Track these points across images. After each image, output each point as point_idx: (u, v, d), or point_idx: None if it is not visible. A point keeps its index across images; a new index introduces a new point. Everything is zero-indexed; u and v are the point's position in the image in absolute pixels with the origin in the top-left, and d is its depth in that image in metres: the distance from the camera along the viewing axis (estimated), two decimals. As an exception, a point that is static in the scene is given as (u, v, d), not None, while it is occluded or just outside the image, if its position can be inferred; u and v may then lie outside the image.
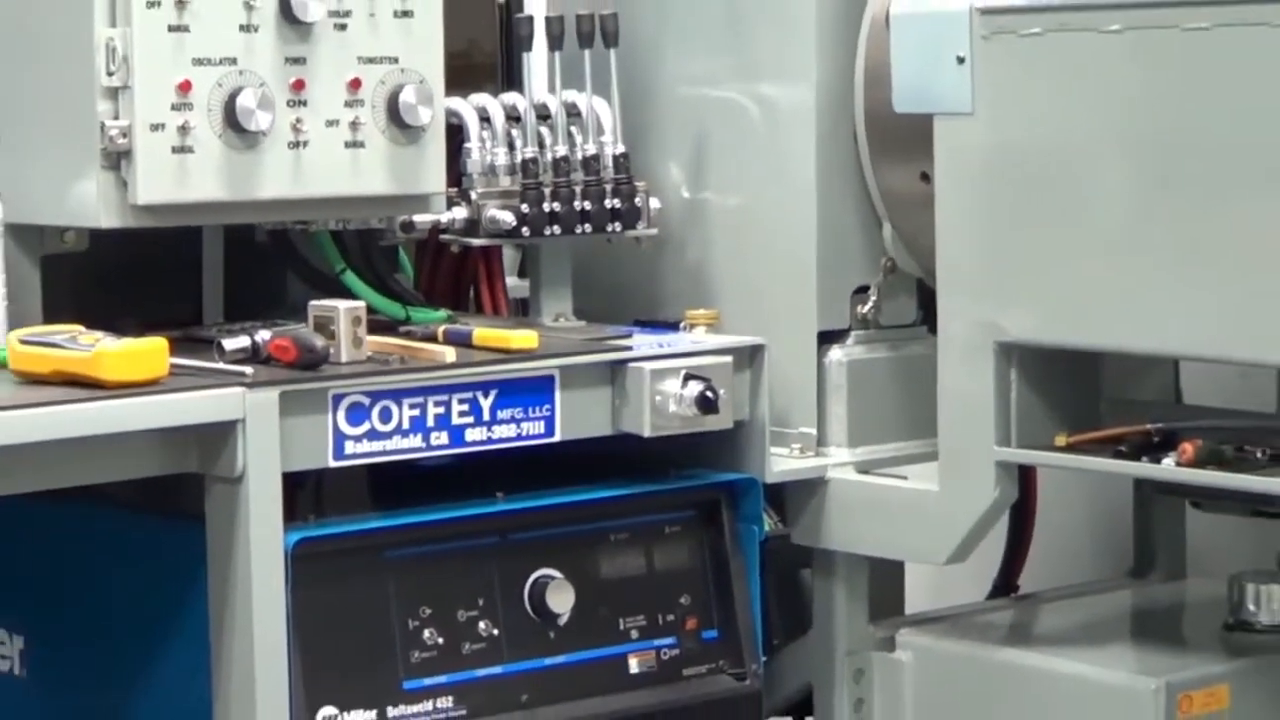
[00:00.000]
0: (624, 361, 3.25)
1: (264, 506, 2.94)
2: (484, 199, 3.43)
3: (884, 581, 3.54)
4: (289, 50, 3.17)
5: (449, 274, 3.63)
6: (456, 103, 3.42)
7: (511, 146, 3.45)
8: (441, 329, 3.29)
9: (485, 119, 3.45)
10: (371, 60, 3.24)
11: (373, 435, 3.05)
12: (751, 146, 3.52)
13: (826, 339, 3.46)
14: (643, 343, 3.32)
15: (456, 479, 3.21)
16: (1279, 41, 2.82)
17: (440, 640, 3.10)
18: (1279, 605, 3.30)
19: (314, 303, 3.15)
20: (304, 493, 3.07)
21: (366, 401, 3.04)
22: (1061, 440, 3.17)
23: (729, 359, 3.30)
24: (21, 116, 3.23)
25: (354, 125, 3.22)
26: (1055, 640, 3.38)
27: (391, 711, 3.05)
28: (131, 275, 3.32)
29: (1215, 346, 3.01)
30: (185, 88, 3.09)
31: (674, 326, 3.46)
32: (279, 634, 2.95)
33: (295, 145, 3.19)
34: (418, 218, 3.37)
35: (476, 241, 3.46)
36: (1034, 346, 3.16)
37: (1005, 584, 3.81)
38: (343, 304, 3.12)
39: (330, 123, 3.21)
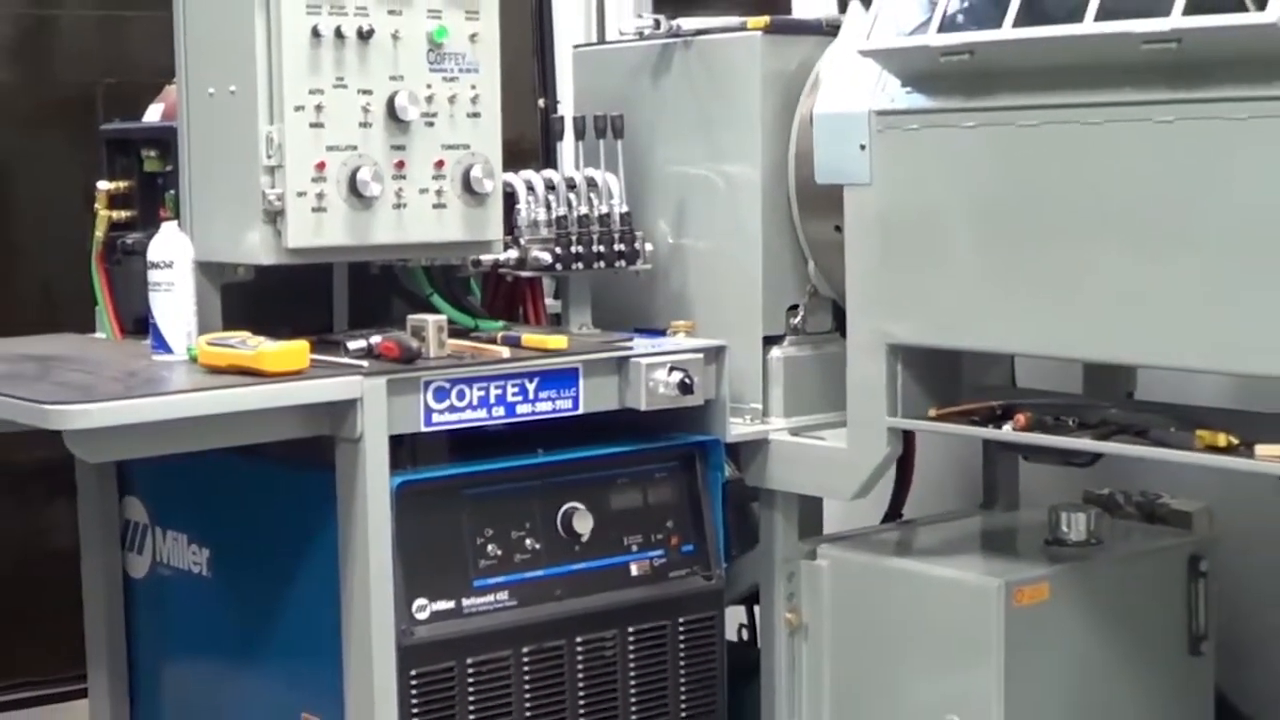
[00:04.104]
0: (627, 357, 3.24)
1: (376, 459, 2.95)
2: (530, 244, 3.42)
3: (809, 511, 3.52)
4: (393, 140, 3.17)
5: (505, 296, 3.62)
6: (510, 176, 3.41)
7: (549, 207, 3.44)
8: (500, 335, 3.29)
9: (531, 188, 3.45)
10: (451, 147, 3.23)
11: (452, 409, 3.05)
12: (716, 208, 3.50)
13: (769, 341, 3.44)
14: (640, 344, 3.31)
15: (509, 440, 3.20)
16: (1086, 135, 2.82)
17: (499, 552, 3.11)
18: (1083, 527, 3.27)
19: (411, 316, 3.16)
20: (404, 449, 3.07)
21: (447, 385, 3.05)
22: (933, 412, 3.16)
23: (701, 355, 3.29)
24: (208, 187, 3.24)
25: (439, 192, 3.22)
26: (928, 552, 3.36)
27: (465, 602, 3.06)
28: (284, 297, 3.31)
29: (1041, 347, 3.01)
30: (321, 166, 3.10)
31: (662, 333, 3.44)
32: (387, 548, 2.96)
33: (398, 206, 3.18)
34: (484, 257, 3.37)
35: (524, 273, 3.46)
36: (914, 347, 3.14)
37: (893, 513, 3.78)
38: (431, 317, 3.13)
39: (422, 190, 3.21)
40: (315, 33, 3.07)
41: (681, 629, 3.28)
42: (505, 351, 3.16)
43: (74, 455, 2.89)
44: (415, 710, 2.99)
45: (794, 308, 3.46)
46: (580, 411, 3.20)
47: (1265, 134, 2.62)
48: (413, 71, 3.18)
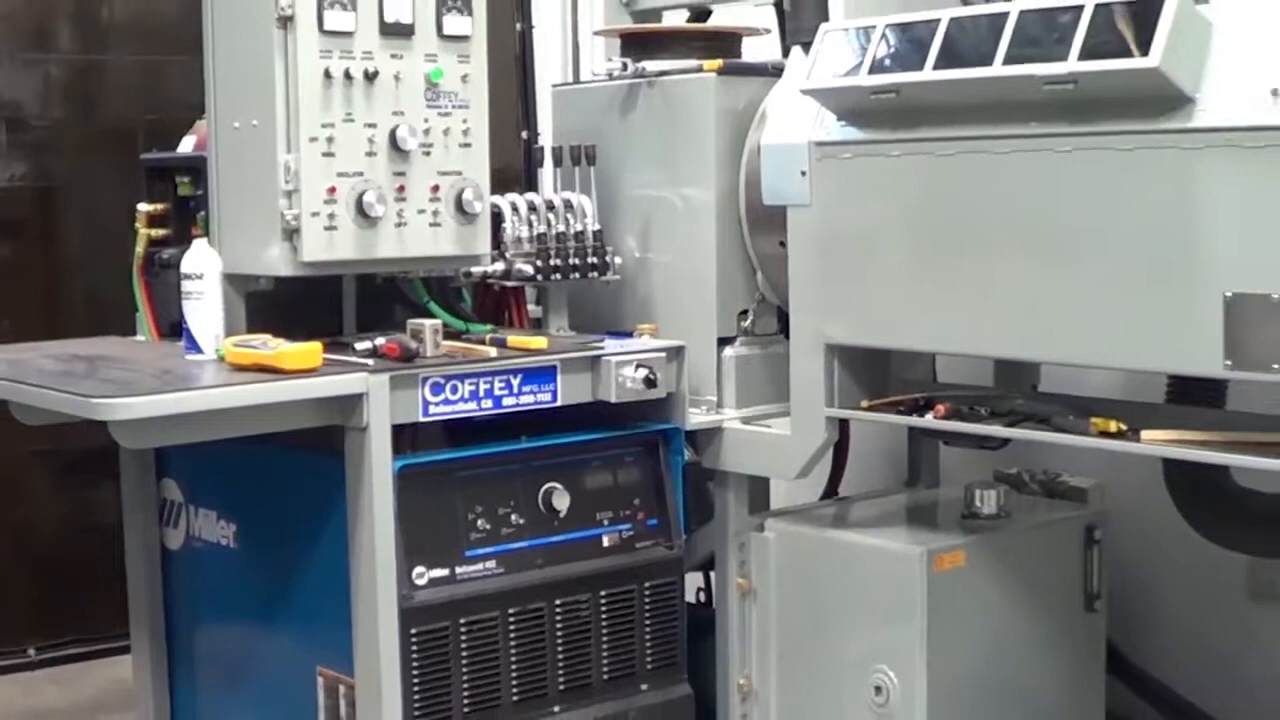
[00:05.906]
0: (599, 356, 3.24)
1: (380, 445, 2.95)
2: (514, 257, 3.42)
3: (758, 489, 3.51)
4: (395, 167, 3.17)
5: (493, 303, 3.60)
6: (497, 199, 3.41)
7: (531, 226, 3.44)
8: (488, 336, 3.28)
9: (515, 209, 3.44)
10: (446, 173, 3.23)
11: (446, 401, 3.05)
12: (676, 226, 3.49)
13: (723, 342, 3.44)
14: (610, 345, 3.30)
15: (497, 428, 3.20)
16: (996, 162, 2.83)
17: (488, 526, 3.10)
18: (994, 502, 3.29)
19: (411, 321, 3.15)
20: (404, 437, 3.06)
21: (442, 381, 3.04)
22: (865, 404, 3.17)
23: (663, 354, 3.29)
24: (234, 208, 3.23)
25: (435, 213, 3.22)
26: (861, 524, 3.36)
27: (458, 569, 3.05)
28: (300, 304, 3.30)
29: (958, 346, 3.03)
30: (332, 190, 3.10)
31: (629, 334, 3.44)
32: (389, 523, 2.96)
33: (399, 225, 3.18)
34: (474, 269, 3.36)
35: (510, 283, 3.45)
36: (848, 346, 3.15)
37: (831, 490, 3.79)
38: (428, 321, 3.12)
39: (420, 211, 3.20)
40: (327, 74, 3.08)
41: (647, 592, 3.28)
42: (493, 351, 3.15)
43: (117, 442, 2.88)
44: (415, 663, 2.98)
45: (744, 312, 3.46)
46: (558, 403, 3.20)
47: (1149, 163, 2.64)
48: (412, 108, 3.18)
